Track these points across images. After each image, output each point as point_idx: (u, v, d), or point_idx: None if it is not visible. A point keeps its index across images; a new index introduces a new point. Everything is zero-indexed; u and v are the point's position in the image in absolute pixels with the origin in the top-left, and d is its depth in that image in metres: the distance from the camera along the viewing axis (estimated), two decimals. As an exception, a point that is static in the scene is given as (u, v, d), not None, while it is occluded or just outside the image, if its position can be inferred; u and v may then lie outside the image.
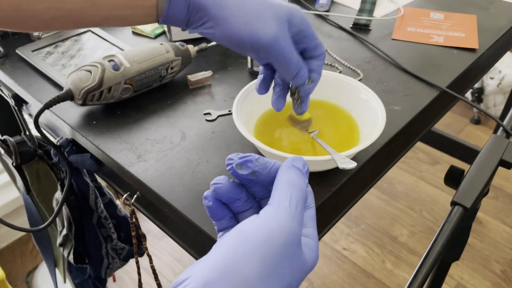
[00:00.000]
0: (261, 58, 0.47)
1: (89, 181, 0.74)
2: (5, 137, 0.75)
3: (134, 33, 0.83)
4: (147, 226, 1.56)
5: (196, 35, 0.79)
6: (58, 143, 0.68)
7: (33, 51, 0.73)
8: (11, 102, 0.76)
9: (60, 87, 0.67)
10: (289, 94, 0.52)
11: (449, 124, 2.02)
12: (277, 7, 0.45)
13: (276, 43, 0.45)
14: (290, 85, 0.51)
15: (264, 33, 0.44)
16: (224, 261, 0.26)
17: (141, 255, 0.81)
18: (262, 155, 0.55)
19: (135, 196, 0.61)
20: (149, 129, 0.61)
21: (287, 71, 0.47)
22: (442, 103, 0.74)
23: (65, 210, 0.76)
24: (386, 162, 0.68)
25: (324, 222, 0.60)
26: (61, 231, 0.81)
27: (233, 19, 0.44)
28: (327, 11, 0.91)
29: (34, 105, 0.68)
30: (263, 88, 0.51)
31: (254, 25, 0.44)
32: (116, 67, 0.61)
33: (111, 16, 0.45)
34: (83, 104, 0.61)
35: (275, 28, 0.44)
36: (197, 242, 0.58)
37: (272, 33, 0.44)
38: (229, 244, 0.27)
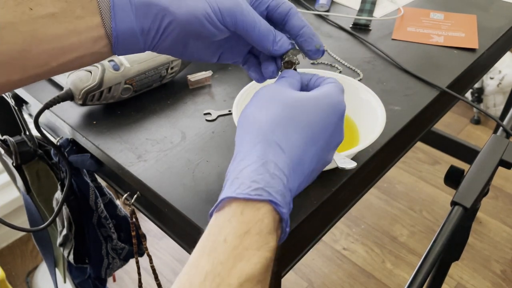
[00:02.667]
0: (229, 27, 0.42)
1: (89, 181, 0.74)
2: (5, 137, 0.75)
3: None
4: (147, 226, 1.56)
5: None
6: (58, 143, 0.68)
7: (33, 51, 0.73)
8: (11, 102, 0.76)
9: (60, 87, 0.67)
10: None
11: (449, 124, 2.02)
12: None
13: (240, 5, 0.41)
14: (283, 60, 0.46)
15: None
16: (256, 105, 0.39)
17: (141, 255, 0.81)
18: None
19: (135, 196, 0.61)
20: (149, 129, 0.61)
21: (261, 37, 0.42)
22: (442, 103, 0.74)
23: (65, 210, 0.76)
24: (386, 162, 0.68)
25: (324, 222, 0.60)
26: (61, 231, 0.81)
27: None
28: (327, 11, 0.91)
29: (34, 105, 0.68)
30: (259, 76, 0.48)
31: None
32: (116, 67, 0.61)
33: (58, 51, 0.39)
34: (83, 104, 0.61)
35: None
36: (197, 242, 0.58)
37: None
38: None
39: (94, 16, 0.39)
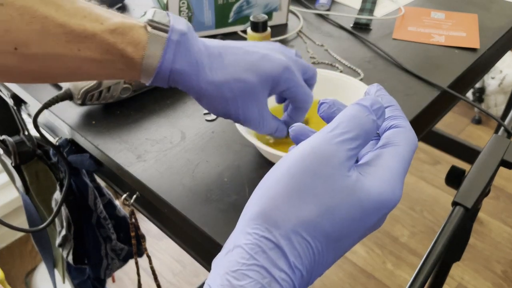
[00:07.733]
0: (277, 91, 0.47)
1: (88, 181, 0.74)
2: (4, 137, 0.75)
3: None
4: (147, 226, 1.56)
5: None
6: (57, 143, 0.67)
7: (32, 50, 0.73)
8: (10, 102, 0.76)
9: (59, 87, 0.67)
10: None
11: (450, 124, 2.02)
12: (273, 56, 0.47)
13: (291, 69, 0.46)
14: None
15: (278, 59, 0.46)
16: (259, 185, 0.28)
17: (141, 255, 0.80)
18: (262, 155, 0.55)
19: (134, 196, 0.61)
20: (149, 129, 0.60)
21: (307, 98, 0.48)
22: (443, 103, 0.74)
23: (64, 211, 0.76)
24: (386, 162, 0.67)
25: (325, 223, 0.59)
26: (60, 232, 0.81)
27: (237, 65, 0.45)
28: (328, 10, 0.91)
29: (33, 105, 0.68)
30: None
31: (268, 56, 0.46)
32: (115, 67, 0.61)
33: (90, 79, 0.46)
34: (82, 104, 0.61)
35: (283, 58, 0.46)
36: (197, 243, 0.58)
37: (284, 60, 0.46)
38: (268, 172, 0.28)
39: (134, 72, 0.43)
